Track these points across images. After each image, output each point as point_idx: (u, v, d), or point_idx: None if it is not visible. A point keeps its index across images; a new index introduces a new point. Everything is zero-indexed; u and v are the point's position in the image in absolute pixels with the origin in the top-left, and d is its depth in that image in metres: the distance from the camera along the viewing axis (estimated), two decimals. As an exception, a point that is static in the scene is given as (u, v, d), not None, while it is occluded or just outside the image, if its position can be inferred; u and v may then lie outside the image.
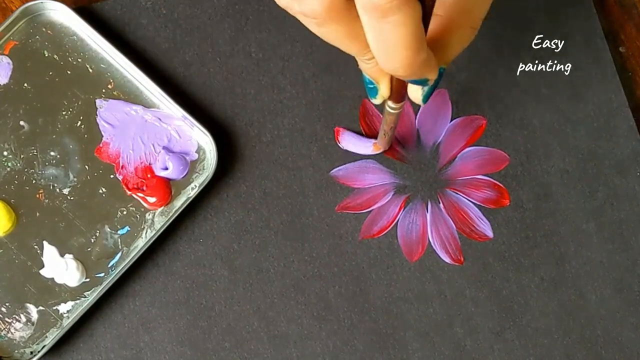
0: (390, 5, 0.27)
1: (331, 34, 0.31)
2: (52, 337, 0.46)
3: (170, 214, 0.47)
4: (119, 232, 0.48)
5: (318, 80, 0.50)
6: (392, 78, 0.35)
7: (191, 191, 0.48)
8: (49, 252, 0.47)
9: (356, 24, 0.30)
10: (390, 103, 0.39)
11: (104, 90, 0.49)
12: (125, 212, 0.48)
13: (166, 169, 0.48)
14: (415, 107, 0.50)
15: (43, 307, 0.47)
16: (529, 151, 0.50)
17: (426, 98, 0.35)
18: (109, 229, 0.48)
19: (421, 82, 0.32)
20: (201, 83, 0.50)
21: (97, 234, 0.48)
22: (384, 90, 0.35)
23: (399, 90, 0.36)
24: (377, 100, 0.36)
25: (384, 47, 0.29)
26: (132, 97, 0.49)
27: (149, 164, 0.49)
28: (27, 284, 0.47)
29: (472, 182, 0.50)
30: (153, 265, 0.48)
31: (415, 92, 0.35)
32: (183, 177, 0.49)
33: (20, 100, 0.49)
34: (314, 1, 0.30)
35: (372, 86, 0.35)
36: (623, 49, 0.52)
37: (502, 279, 0.49)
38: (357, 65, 0.35)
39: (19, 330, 0.47)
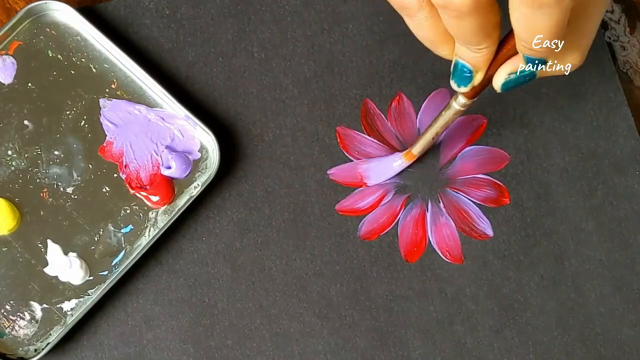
0: None
1: (462, 27, 0.33)
2: (56, 334, 0.47)
3: (173, 213, 0.48)
4: (122, 230, 0.48)
5: (320, 80, 0.51)
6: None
7: (194, 190, 0.49)
8: (53, 251, 0.48)
9: (491, 15, 0.32)
10: (461, 99, 0.40)
11: (107, 90, 0.49)
12: (128, 211, 0.48)
13: (169, 168, 0.49)
14: (416, 107, 0.51)
15: (47, 305, 0.47)
16: (529, 150, 0.50)
17: (506, 86, 0.36)
18: (112, 228, 0.48)
19: (540, 61, 0.34)
20: (204, 83, 0.50)
21: (101, 233, 0.48)
22: (479, 79, 0.37)
23: (484, 84, 0.38)
24: (466, 88, 0.37)
25: (531, 32, 0.32)
26: (136, 96, 0.49)
27: (152, 163, 0.49)
28: (31, 282, 0.47)
29: (473, 181, 0.50)
30: (156, 263, 0.48)
31: (500, 77, 0.36)
32: (186, 176, 0.49)
33: (25, 100, 0.49)
34: None
35: (468, 74, 0.37)
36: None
37: (502, 277, 0.49)
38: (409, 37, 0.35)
39: (23, 328, 0.47)
